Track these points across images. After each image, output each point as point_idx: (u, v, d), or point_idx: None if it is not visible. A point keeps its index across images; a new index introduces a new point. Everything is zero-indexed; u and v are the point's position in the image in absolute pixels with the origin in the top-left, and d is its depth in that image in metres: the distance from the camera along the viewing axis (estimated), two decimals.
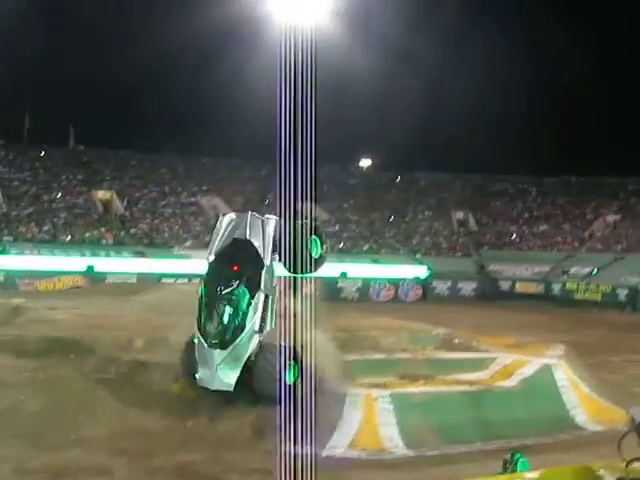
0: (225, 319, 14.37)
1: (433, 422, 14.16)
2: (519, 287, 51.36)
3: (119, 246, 48.09)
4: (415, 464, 12.85)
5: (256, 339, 14.36)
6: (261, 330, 14.36)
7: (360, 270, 48.90)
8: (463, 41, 50.32)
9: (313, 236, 14.96)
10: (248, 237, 14.79)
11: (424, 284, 50.19)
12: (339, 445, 13.43)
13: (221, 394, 14.47)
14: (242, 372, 14.30)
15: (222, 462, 12.56)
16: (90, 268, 42.83)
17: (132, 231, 51.30)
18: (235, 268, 14.60)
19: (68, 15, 60.00)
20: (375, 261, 51.86)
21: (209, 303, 14.63)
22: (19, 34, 51.93)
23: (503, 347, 18.97)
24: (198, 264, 44.58)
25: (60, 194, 53.86)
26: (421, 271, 50.74)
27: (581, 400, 16.31)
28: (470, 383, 15.74)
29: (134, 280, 41.08)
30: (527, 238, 61.14)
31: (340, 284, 46.06)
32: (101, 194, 55.30)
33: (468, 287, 52.16)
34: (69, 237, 48.00)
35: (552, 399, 16.02)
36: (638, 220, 59.66)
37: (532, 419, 15.08)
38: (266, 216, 15.09)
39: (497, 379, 16.16)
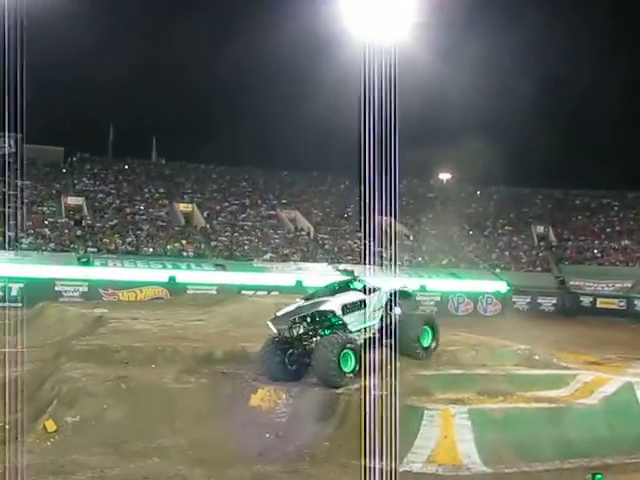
0: None
1: (511, 439, 13.99)
2: (600, 303, 50.39)
3: (200, 258, 48.70)
4: None
5: None
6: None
7: (439, 284, 48.62)
8: (544, 53, 49.56)
9: (426, 326, 16.92)
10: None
11: (503, 299, 49.67)
12: (417, 460, 13.39)
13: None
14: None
15: (299, 474, 12.63)
16: (172, 279, 43.51)
17: (213, 244, 51.90)
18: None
19: (152, 33, 61.34)
20: (454, 275, 51.49)
21: None
22: (104, 51, 53.23)
23: (584, 364, 18.70)
24: (277, 277, 45.21)
25: (143, 206, 54.91)
26: (501, 286, 50.23)
27: None
28: (550, 400, 15.53)
29: (214, 292, 41.58)
30: (609, 253, 59.97)
31: (419, 297, 45.84)
32: (183, 207, 56.17)
33: (548, 302, 51.45)
34: (151, 249, 48.83)
35: (634, 418, 15.70)
36: None
37: (613, 438, 14.79)
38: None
39: (577, 397, 15.91)
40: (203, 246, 51.14)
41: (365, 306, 16.31)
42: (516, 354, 18.03)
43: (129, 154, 61.80)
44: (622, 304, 49.20)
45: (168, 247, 49.28)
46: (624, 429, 15.19)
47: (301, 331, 15.80)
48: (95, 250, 46.93)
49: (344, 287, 16.66)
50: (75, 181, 56.74)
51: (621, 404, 15.83)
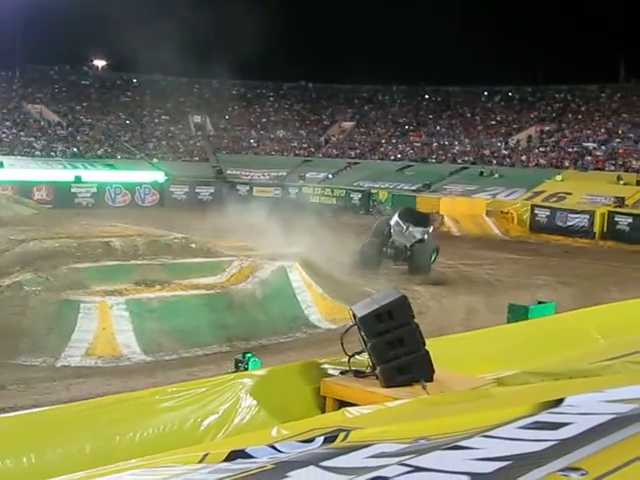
0: None
1: (170, 327, 14.16)
2: (257, 191, 51.78)
3: None
4: (152, 369, 12.81)
5: None
6: None
7: (95, 175, 47.42)
8: None
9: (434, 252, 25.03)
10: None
11: (161, 189, 49.53)
12: (75, 354, 13.12)
13: None
14: None
15: None
16: None
17: None
18: None
19: None
20: (110, 166, 50.48)
21: None
22: None
23: (240, 251, 19.16)
24: None
25: None
26: (158, 176, 50.00)
27: (315, 300, 16.87)
28: (207, 287, 15.82)
29: None
30: (265, 143, 61.82)
31: (74, 189, 44.45)
32: None
33: (206, 192, 51.97)
34: None
35: (287, 299, 16.45)
36: (370, 127, 62.04)
37: (268, 320, 15.44)
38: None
39: (234, 282, 16.34)
40: None
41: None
42: (173, 243, 18.08)
43: None
44: (277, 192, 51.03)
45: None
46: (278, 311, 15.91)
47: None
48: None
49: (424, 224, 25.87)
50: None
51: (275, 287, 16.49)
